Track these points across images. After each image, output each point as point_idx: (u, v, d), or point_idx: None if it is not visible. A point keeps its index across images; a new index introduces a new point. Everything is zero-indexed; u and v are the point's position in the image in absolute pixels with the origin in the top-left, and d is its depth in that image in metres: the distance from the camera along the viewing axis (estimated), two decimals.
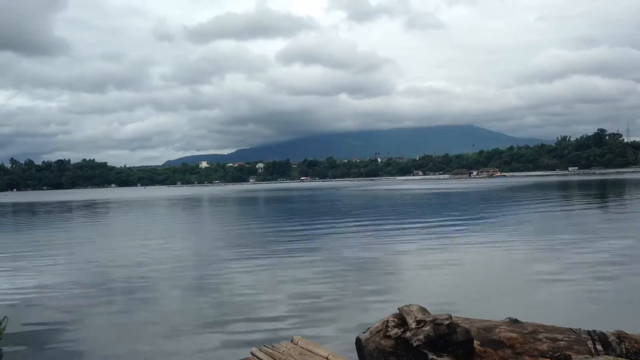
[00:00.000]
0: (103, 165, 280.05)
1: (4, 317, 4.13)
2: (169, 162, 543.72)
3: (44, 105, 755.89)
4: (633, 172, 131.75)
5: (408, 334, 4.39)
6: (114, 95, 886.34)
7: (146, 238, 22.69)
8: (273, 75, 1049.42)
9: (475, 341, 4.49)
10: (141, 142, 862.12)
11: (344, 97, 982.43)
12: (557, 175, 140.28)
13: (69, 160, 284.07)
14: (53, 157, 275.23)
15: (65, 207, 58.61)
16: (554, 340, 4.46)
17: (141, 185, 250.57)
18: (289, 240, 19.40)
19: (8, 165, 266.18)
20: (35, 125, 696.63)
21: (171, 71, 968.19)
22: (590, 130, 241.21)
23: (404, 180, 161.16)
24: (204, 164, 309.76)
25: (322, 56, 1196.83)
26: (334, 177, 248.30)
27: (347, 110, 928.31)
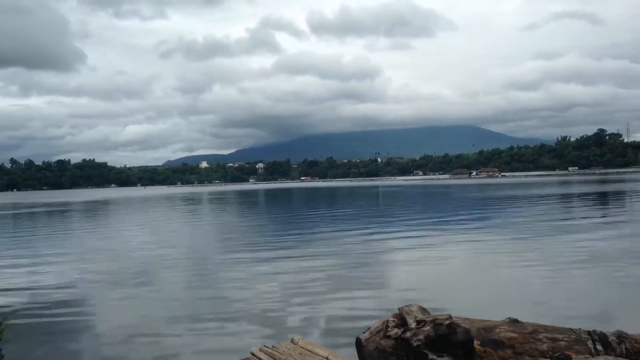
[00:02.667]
0: (103, 166, 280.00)
1: (4, 317, 4.11)
2: (169, 162, 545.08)
3: (61, 111, 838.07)
4: (633, 172, 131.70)
5: (408, 334, 4.39)
6: (124, 103, 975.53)
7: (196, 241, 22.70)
8: (272, 83, 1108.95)
9: (475, 341, 4.49)
10: (143, 143, 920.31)
11: (341, 102, 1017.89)
12: (557, 175, 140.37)
13: (69, 160, 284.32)
14: (67, 158, 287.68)
15: (71, 208, 58.66)
16: (554, 340, 4.46)
17: (141, 185, 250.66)
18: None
19: (8, 165, 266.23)
20: (51, 129, 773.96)
21: (174, 82, 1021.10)
22: (590, 130, 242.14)
23: (405, 180, 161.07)
24: (204, 164, 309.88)
25: (316, 67, 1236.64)
26: (334, 177, 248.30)
27: (345, 114, 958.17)
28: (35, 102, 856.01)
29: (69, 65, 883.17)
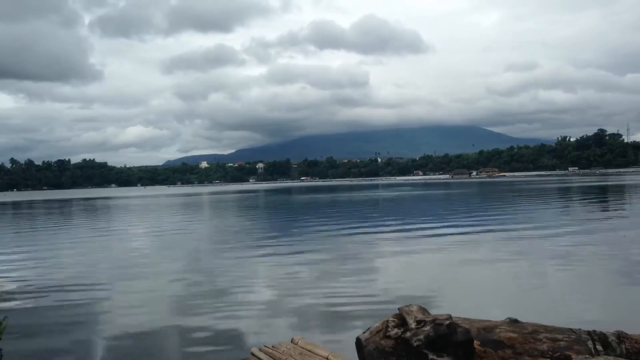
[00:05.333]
0: (103, 165, 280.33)
1: (4, 317, 4.11)
2: (169, 162, 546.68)
3: (70, 117, 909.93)
4: (633, 172, 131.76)
5: (408, 334, 4.40)
6: (129, 108, 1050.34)
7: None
8: (269, 90, 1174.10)
9: (475, 341, 4.49)
10: (144, 144, 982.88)
11: (338, 106, 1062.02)
12: (556, 175, 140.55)
13: (69, 160, 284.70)
14: (76, 158, 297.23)
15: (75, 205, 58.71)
16: (554, 340, 4.47)
17: (141, 185, 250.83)
18: None
19: (8, 165, 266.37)
20: (60, 133, 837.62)
21: (176, 89, 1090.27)
22: (590, 131, 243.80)
23: (405, 180, 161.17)
24: (204, 164, 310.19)
25: (311, 75, 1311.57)
26: (334, 177, 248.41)
27: (344, 116, 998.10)
28: (50, 109, 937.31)
29: (86, 79, 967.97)
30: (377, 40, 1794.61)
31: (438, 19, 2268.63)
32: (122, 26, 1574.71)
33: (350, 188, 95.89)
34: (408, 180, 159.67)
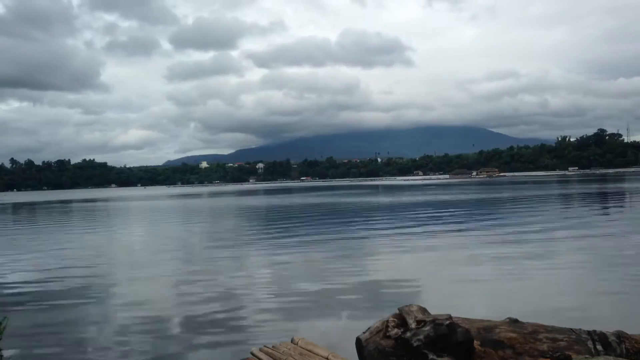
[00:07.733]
0: (103, 165, 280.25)
1: (5, 317, 4.11)
2: (169, 162, 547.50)
3: (76, 120, 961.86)
4: (633, 172, 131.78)
5: (408, 334, 4.40)
6: (131, 111, 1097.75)
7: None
8: (268, 94, 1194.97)
9: (475, 341, 4.49)
10: (144, 145, 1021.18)
11: (336, 110, 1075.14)
12: (555, 175, 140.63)
13: (69, 160, 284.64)
14: (77, 159, 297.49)
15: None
16: (554, 340, 4.47)
17: (141, 185, 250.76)
18: None
19: (8, 165, 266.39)
20: (67, 134, 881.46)
21: (177, 93, 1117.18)
22: (590, 130, 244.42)
23: (405, 180, 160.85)
24: (204, 164, 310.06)
25: (310, 80, 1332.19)
26: (334, 177, 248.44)
27: (342, 118, 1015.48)
28: (55, 113, 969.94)
29: (93, 89, 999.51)
30: (369, 51, 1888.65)
31: (424, 33, 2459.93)
32: (131, 47, 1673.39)
33: (377, 188, 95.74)
34: (408, 180, 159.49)
